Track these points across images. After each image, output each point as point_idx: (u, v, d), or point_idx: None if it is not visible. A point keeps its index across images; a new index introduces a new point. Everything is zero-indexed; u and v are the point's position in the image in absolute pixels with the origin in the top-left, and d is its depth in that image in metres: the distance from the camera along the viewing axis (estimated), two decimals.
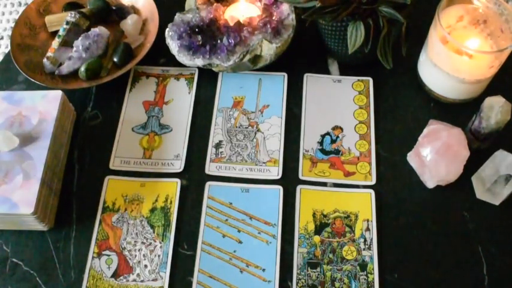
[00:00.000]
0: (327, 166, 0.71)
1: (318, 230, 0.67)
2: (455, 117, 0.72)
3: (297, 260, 0.65)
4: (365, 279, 0.63)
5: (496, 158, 0.64)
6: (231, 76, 0.80)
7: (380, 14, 0.67)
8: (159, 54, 0.81)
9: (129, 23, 0.82)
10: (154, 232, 0.67)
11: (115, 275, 0.64)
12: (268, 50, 0.75)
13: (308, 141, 0.73)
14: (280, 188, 0.69)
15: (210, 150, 0.73)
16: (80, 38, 0.78)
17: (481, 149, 0.69)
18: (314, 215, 0.67)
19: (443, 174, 0.66)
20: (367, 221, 0.67)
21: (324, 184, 0.70)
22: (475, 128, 0.67)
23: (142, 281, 0.64)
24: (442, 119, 0.69)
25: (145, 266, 0.65)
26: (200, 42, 0.75)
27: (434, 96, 0.75)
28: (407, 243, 0.65)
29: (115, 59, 0.79)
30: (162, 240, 0.66)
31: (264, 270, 0.64)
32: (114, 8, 0.84)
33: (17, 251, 0.67)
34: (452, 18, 0.70)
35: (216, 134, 0.74)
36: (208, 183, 0.70)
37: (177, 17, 0.78)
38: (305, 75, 0.79)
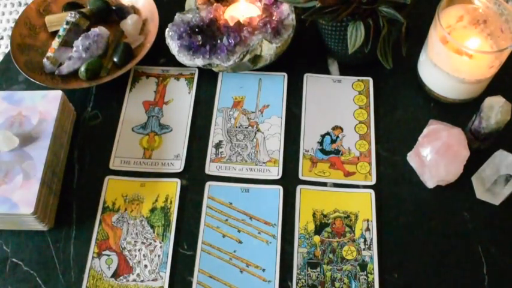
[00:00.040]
0: (327, 166, 0.71)
1: (318, 230, 0.67)
2: (455, 117, 0.72)
3: (297, 260, 0.65)
4: (365, 279, 0.63)
5: (496, 158, 0.64)
6: (231, 76, 0.80)
7: (380, 14, 0.67)
8: (159, 54, 0.81)
9: (129, 23, 0.82)
10: (154, 232, 0.67)
11: (115, 275, 0.64)
12: (268, 50, 0.75)
13: (308, 141, 0.73)
14: (280, 188, 0.69)
15: (210, 150, 0.73)
16: (80, 38, 0.78)
17: (481, 149, 0.69)
18: (314, 215, 0.67)
19: (443, 174, 0.66)
20: (367, 221, 0.67)
21: (324, 184, 0.70)
22: (475, 128, 0.67)
23: (142, 281, 0.64)
24: (442, 119, 0.69)
25: (145, 266, 0.65)
26: (200, 42, 0.75)
27: (434, 96, 0.75)
28: (407, 243, 0.65)
29: (115, 59, 0.79)
30: (162, 240, 0.66)
31: (264, 270, 0.64)
32: (114, 8, 0.84)
33: (17, 251, 0.67)
34: (452, 18, 0.70)
35: (216, 134, 0.74)
36: (208, 183, 0.70)
37: (177, 17, 0.78)
38: (305, 75, 0.79)
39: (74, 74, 0.78)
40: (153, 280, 0.64)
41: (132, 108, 0.77)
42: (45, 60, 0.78)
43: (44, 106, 0.70)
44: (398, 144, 0.72)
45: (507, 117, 0.64)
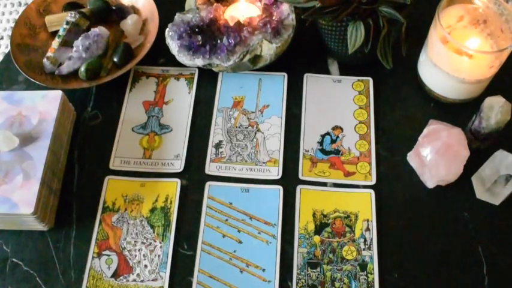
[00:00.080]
0: (327, 166, 0.71)
1: (318, 230, 0.67)
2: (455, 117, 0.72)
3: (297, 260, 0.65)
4: (365, 279, 0.63)
5: (496, 158, 0.64)
6: (231, 76, 0.80)
7: (380, 14, 0.67)
8: (159, 54, 0.81)
9: (129, 23, 0.82)
10: (154, 232, 0.67)
11: (115, 275, 0.64)
12: (268, 50, 0.75)
13: (308, 141, 0.73)
14: (280, 188, 0.69)
15: (210, 150, 0.73)
16: (80, 38, 0.78)
17: (481, 149, 0.69)
18: (314, 215, 0.67)
19: (443, 174, 0.66)
20: (367, 221, 0.67)
21: (324, 184, 0.70)
22: (475, 128, 0.67)
23: (142, 281, 0.64)
24: (442, 119, 0.69)
25: (145, 266, 0.65)
26: (200, 42, 0.75)
27: (434, 96, 0.75)
28: (407, 243, 0.65)
29: (115, 59, 0.79)
30: (162, 240, 0.66)
31: (264, 270, 0.64)
32: (114, 8, 0.84)
33: (17, 251, 0.67)
34: (452, 18, 0.70)
35: (216, 134, 0.74)
36: (208, 183, 0.70)
37: (177, 17, 0.78)
38: (305, 75, 0.79)
39: (74, 74, 0.78)
40: (153, 280, 0.64)
41: (132, 108, 0.77)
42: (45, 60, 0.78)
43: (44, 106, 0.70)
44: (398, 144, 0.72)
45: (507, 117, 0.64)
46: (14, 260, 0.66)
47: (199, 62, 0.76)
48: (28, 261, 0.66)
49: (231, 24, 0.77)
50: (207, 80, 0.80)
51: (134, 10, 0.85)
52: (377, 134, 0.74)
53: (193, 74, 0.80)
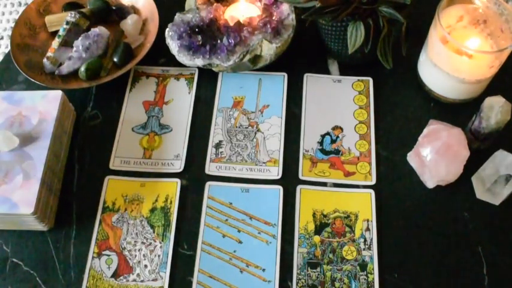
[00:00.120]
0: (327, 166, 0.71)
1: (318, 230, 0.67)
2: (455, 117, 0.72)
3: (297, 260, 0.65)
4: (365, 279, 0.63)
5: (496, 158, 0.64)
6: (231, 76, 0.80)
7: (380, 14, 0.67)
8: (159, 54, 0.81)
9: (129, 23, 0.82)
10: (154, 232, 0.67)
11: (115, 275, 0.64)
12: (268, 50, 0.75)
13: (308, 141, 0.73)
14: (280, 188, 0.69)
15: (210, 150, 0.73)
16: (80, 38, 0.78)
17: (481, 149, 0.69)
18: (314, 215, 0.67)
19: (443, 174, 0.66)
20: (367, 221, 0.67)
21: (324, 184, 0.70)
22: (475, 128, 0.67)
23: (142, 281, 0.64)
24: (442, 119, 0.69)
25: (145, 266, 0.65)
26: (200, 42, 0.75)
27: (434, 96, 0.75)
28: (407, 243, 0.65)
29: (115, 59, 0.79)
30: (162, 240, 0.66)
31: (264, 270, 0.64)
32: (114, 8, 0.84)
33: (17, 251, 0.67)
34: (452, 18, 0.70)
35: (216, 134, 0.74)
36: (208, 183, 0.70)
37: (177, 17, 0.78)
38: (305, 75, 0.79)
39: (74, 74, 0.78)
40: (153, 280, 0.64)
41: (132, 108, 0.77)
42: (45, 60, 0.78)
43: (44, 106, 0.70)
44: (398, 144, 0.72)
45: (507, 117, 0.64)
46: (14, 260, 0.66)
47: (199, 62, 0.76)
48: (28, 261, 0.66)
49: (231, 24, 0.77)
50: (207, 80, 0.80)
51: (134, 10, 0.85)
52: (377, 134, 0.74)
53: (193, 74, 0.80)
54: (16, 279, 0.65)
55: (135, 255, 0.66)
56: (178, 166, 0.72)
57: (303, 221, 0.67)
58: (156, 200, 0.69)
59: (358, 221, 0.67)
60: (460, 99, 0.74)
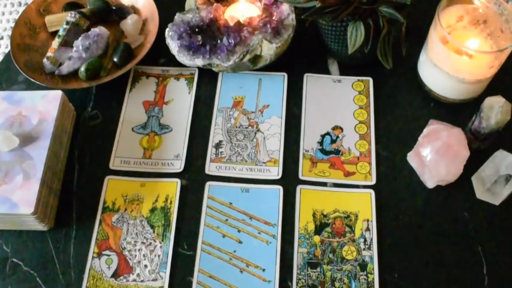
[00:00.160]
0: (327, 166, 0.71)
1: (318, 230, 0.67)
2: (455, 117, 0.72)
3: (297, 260, 0.65)
4: (365, 279, 0.63)
5: (496, 158, 0.64)
6: (231, 76, 0.80)
7: (380, 14, 0.67)
8: (159, 54, 0.81)
9: (129, 23, 0.82)
10: (154, 232, 0.67)
11: (115, 275, 0.64)
12: (268, 50, 0.75)
13: (308, 141, 0.73)
14: (280, 188, 0.69)
15: (210, 150, 0.73)
16: (80, 38, 0.78)
17: (481, 149, 0.69)
18: (314, 215, 0.67)
19: (443, 174, 0.66)
20: (367, 221, 0.67)
21: (324, 184, 0.70)
22: (475, 128, 0.67)
23: (142, 281, 0.64)
24: (442, 119, 0.69)
25: (145, 266, 0.65)
26: (200, 42, 0.75)
27: (434, 96, 0.75)
28: (407, 243, 0.65)
29: (115, 59, 0.79)
30: (162, 240, 0.66)
31: (264, 270, 0.64)
32: (114, 8, 0.84)
33: (17, 251, 0.67)
34: (452, 18, 0.70)
35: (216, 134, 0.74)
36: (208, 183, 0.70)
37: (177, 17, 0.78)
38: (305, 75, 0.79)
39: (74, 74, 0.78)
40: (153, 280, 0.64)
41: (132, 108, 0.77)
42: (45, 60, 0.78)
43: (44, 106, 0.70)
44: (398, 144, 0.72)
45: (507, 117, 0.64)
46: (14, 260, 0.66)
47: (199, 62, 0.76)
48: (28, 261, 0.66)
49: (231, 24, 0.77)
50: (207, 80, 0.80)
51: (134, 10, 0.85)
52: (377, 134, 0.74)
53: (193, 74, 0.80)
54: (16, 279, 0.65)
55: (135, 255, 0.66)
56: (178, 166, 0.72)
57: (303, 221, 0.67)
58: (156, 200, 0.69)
59: (358, 221, 0.67)
60: (460, 99, 0.74)
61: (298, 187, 0.69)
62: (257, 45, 0.75)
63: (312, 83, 0.78)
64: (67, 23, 0.80)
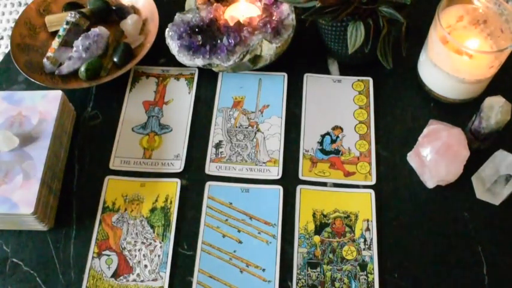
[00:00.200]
0: (327, 166, 0.71)
1: (318, 230, 0.67)
2: (455, 117, 0.72)
3: (297, 260, 0.65)
4: (365, 279, 0.63)
5: (496, 158, 0.64)
6: (231, 76, 0.80)
7: (380, 14, 0.67)
8: (159, 54, 0.81)
9: (129, 23, 0.82)
10: (154, 232, 0.67)
11: (115, 275, 0.64)
12: (268, 50, 0.75)
13: (308, 141, 0.73)
14: (280, 188, 0.69)
15: (210, 150, 0.73)
16: (80, 38, 0.78)
17: (481, 149, 0.69)
18: (314, 215, 0.67)
19: (443, 174, 0.66)
20: (367, 221, 0.67)
21: (324, 184, 0.70)
22: (475, 128, 0.67)
23: (142, 281, 0.64)
24: (442, 119, 0.69)
25: (145, 266, 0.65)
26: (200, 42, 0.75)
27: (434, 96, 0.75)
28: (407, 243, 0.65)
29: (115, 59, 0.79)
30: (162, 240, 0.66)
31: (264, 270, 0.64)
32: (114, 8, 0.84)
33: (17, 251, 0.67)
34: (452, 18, 0.70)
35: (216, 134, 0.74)
36: (208, 183, 0.70)
37: (177, 17, 0.78)
38: (305, 75, 0.79)
39: (74, 74, 0.78)
40: (153, 280, 0.64)
41: (132, 108, 0.77)
42: (45, 60, 0.78)
43: (44, 106, 0.70)
44: (398, 144, 0.72)
45: (507, 117, 0.64)
46: (14, 260, 0.66)
47: (199, 62, 0.76)
48: (28, 261, 0.66)
49: (231, 24, 0.77)
50: (207, 80, 0.80)
51: (134, 10, 0.85)
52: (377, 134, 0.74)
53: (193, 74, 0.80)
54: (16, 279, 0.65)
55: (135, 255, 0.66)
56: (178, 166, 0.72)
57: (303, 221, 0.67)
58: (156, 200, 0.69)
59: (358, 221, 0.67)
60: (460, 99, 0.74)
61: (298, 187, 0.69)
62: (257, 45, 0.75)
63: (312, 83, 0.78)
64: (67, 23, 0.80)
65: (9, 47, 0.86)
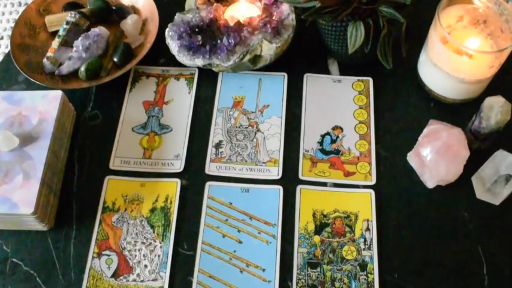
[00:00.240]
0: (327, 166, 0.71)
1: (318, 230, 0.67)
2: (455, 117, 0.72)
3: (297, 260, 0.65)
4: (365, 279, 0.63)
5: (496, 158, 0.64)
6: (231, 76, 0.80)
7: (380, 14, 0.67)
8: (159, 54, 0.81)
9: (129, 23, 0.82)
10: (154, 232, 0.67)
11: (115, 275, 0.64)
12: (268, 50, 0.75)
13: (308, 141, 0.73)
14: (280, 188, 0.69)
15: (210, 150, 0.73)
16: (80, 38, 0.78)
17: (481, 149, 0.69)
18: (314, 215, 0.67)
19: (443, 174, 0.66)
20: (367, 221, 0.67)
21: (324, 184, 0.70)
22: (475, 128, 0.67)
23: (142, 281, 0.64)
24: (442, 119, 0.69)
25: (145, 266, 0.65)
26: (200, 42, 0.75)
27: (434, 96, 0.75)
28: (407, 243, 0.65)
29: (115, 59, 0.79)
30: (162, 240, 0.66)
31: (264, 270, 0.64)
32: (114, 8, 0.84)
33: (17, 251, 0.67)
34: (452, 18, 0.70)
35: (216, 134, 0.74)
36: (208, 183, 0.70)
37: (177, 17, 0.78)
38: (305, 75, 0.79)
39: (74, 74, 0.78)
40: (153, 280, 0.64)
41: (132, 108, 0.77)
42: (45, 60, 0.78)
43: (44, 106, 0.70)
44: (398, 144, 0.72)
45: (507, 117, 0.64)
46: (14, 260, 0.66)
47: (199, 62, 0.76)
48: (28, 261, 0.66)
49: (231, 24, 0.77)
50: (207, 80, 0.80)
51: (134, 10, 0.85)
52: (377, 134, 0.74)
53: (193, 74, 0.80)
54: (16, 279, 0.65)
55: (135, 255, 0.66)
56: (178, 166, 0.72)
57: (303, 221, 0.67)
58: (156, 200, 0.69)
59: (358, 221, 0.67)
60: (460, 99, 0.74)
61: (298, 187, 0.69)
62: (257, 45, 0.75)
63: (312, 83, 0.78)
64: (67, 23, 0.80)
65: (9, 47, 0.86)
